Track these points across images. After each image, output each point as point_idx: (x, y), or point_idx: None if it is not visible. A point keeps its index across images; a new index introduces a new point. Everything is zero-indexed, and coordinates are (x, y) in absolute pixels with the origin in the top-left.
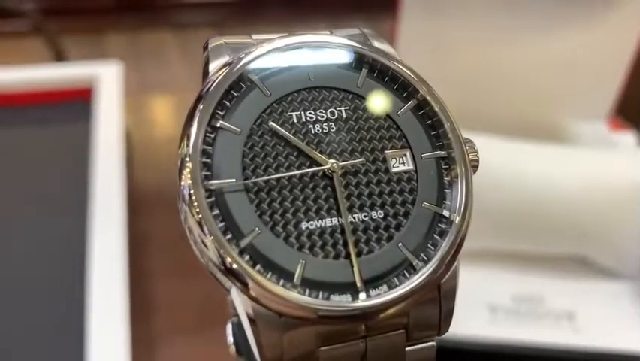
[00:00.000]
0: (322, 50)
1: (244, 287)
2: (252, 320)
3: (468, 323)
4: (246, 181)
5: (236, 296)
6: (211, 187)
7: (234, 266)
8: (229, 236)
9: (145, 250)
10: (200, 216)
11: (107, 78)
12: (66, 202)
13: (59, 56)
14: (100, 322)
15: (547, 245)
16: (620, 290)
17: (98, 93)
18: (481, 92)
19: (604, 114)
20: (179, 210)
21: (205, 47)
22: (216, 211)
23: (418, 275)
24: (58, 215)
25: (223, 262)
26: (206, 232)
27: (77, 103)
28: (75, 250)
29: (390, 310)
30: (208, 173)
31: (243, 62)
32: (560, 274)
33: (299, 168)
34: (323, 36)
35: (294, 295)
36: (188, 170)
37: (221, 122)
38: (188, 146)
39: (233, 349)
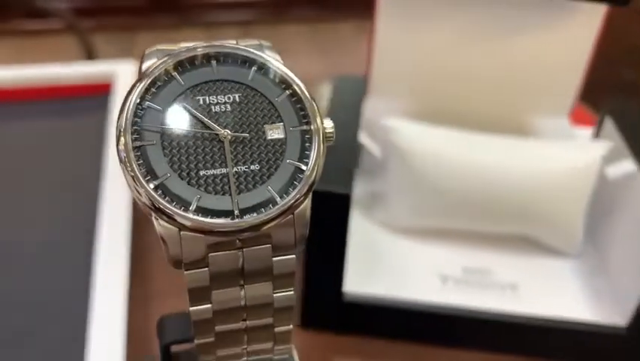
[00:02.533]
0: (226, 53)
1: (162, 215)
2: (161, 236)
3: (421, 290)
4: (163, 141)
5: (154, 222)
6: (138, 146)
7: (160, 206)
8: (148, 178)
9: (147, 227)
10: (132, 173)
11: (124, 75)
12: (80, 184)
13: (90, 53)
14: (103, 282)
15: (498, 226)
16: (561, 266)
17: (115, 89)
18: (452, 90)
19: (566, 111)
20: (120, 167)
21: (143, 53)
22: (141, 161)
23: (277, 206)
24: (72, 195)
25: (153, 204)
26: (138, 184)
27: (98, 97)
28: (85, 224)
29: (257, 230)
30: (137, 136)
31: (167, 62)
32: (508, 251)
33: (203, 134)
34: (229, 44)
35: (191, 216)
36: (123, 139)
37: (147, 102)
38: (123, 119)
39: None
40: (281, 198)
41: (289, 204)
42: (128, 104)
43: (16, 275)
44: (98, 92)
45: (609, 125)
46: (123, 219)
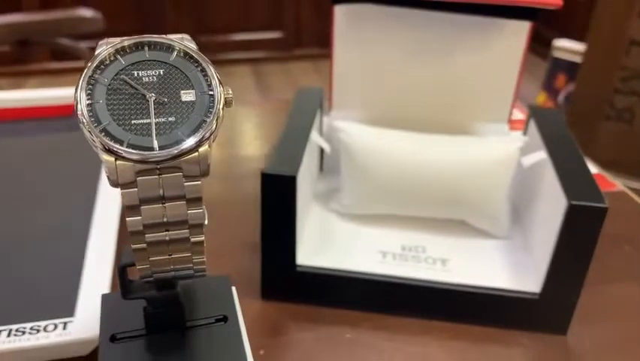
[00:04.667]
0: (155, 42)
1: (108, 152)
2: (104, 166)
3: (364, 263)
4: (107, 100)
5: (100, 156)
6: (89, 105)
7: (108, 147)
8: (96, 125)
9: None
10: (88, 128)
11: None
12: (82, 184)
13: None
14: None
15: (434, 212)
16: (489, 246)
17: None
18: (401, 102)
19: (505, 117)
20: (80, 126)
21: (97, 43)
22: (91, 114)
23: (185, 144)
24: (77, 192)
25: (104, 147)
26: (93, 135)
27: None
28: (85, 212)
29: (170, 162)
30: (89, 97)
31: (111, 48)
32: (443, 233)
33: (135, 95)
34: (158, 36)
35: (125, 149)
36: (79, 104)
37: (97, 76)
38: (79, 87)
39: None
40: (188, 138)
41: (195, 143)
42: (83, 76)
43: (21, 253)
44: None
45: (533, 124)
46: (115, 207)
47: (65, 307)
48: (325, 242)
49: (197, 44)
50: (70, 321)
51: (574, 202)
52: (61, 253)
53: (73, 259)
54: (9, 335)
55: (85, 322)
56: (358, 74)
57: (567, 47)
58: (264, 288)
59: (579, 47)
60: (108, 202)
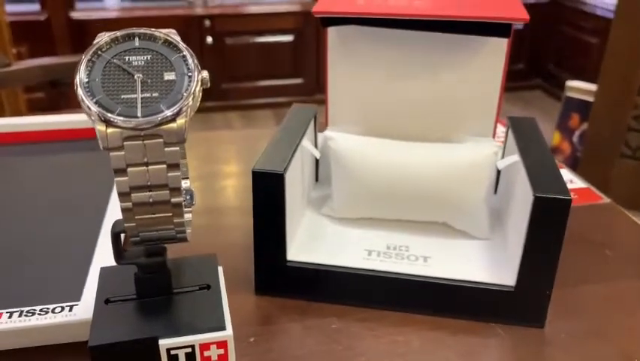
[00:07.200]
0: (144, 33)
1: (101, 120)
2: (97, 133)
3: (349, 259)
4: (103, 79)
5: (95, 126)
6: (87, 83)
7: (104, 117)
8: (91, 97)
9: None
10: (86, 101)
11: None
12: (94, 199)
13: None
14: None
15: (418, 215)
16: (469, 245)
17: None
18: (391, 119)
19: (490, 132)
20: (81, 105)
21: (95, 36)
22: (88, 88)
23: (165, 114)
24: (88, 206)
25: (99, 117)
26: (90, 108)
27: None
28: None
29: (152, 129)
30: (88, 75)
31: (108, 37)
32: (426, 234)
33: (125, 75)
34: (149, 29)
35: (114, 116)
36: (79, 81)
37: (95, 59)
38: (80, 70)
39: None
40: (168, 110)
41: (173, 114)
42: (83, 60)
43: (38, 250)
44: None
45: (510, 133)
46: None
47: (73, 293)
48: (315, 242)
49: (223, 90)
50: (76, 304)
51: (539, 194)
52: (73, 250)
53: (82, 255)
54: (20, 316)
55: (89, 305)
56: (350, 91)
57: (580, 87)
58: (257, 283)
59: (591, 86)
60: (117, 212)
